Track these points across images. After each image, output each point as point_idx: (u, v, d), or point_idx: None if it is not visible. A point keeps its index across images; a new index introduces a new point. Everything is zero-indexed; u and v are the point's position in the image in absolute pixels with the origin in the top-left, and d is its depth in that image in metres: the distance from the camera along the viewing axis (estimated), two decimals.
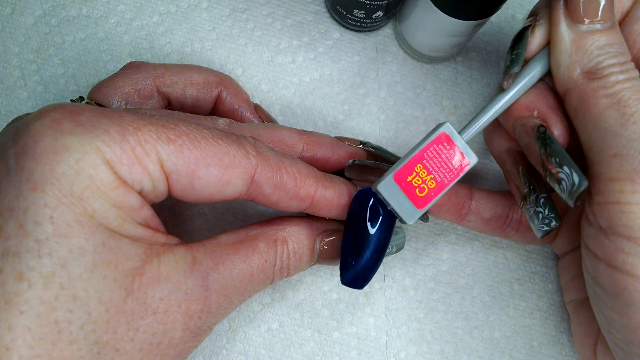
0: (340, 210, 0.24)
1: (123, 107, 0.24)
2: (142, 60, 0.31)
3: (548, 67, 0.23)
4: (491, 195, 0.27)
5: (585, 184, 0.21)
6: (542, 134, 0.22)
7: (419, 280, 0.30)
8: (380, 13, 0.30)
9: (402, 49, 0.33)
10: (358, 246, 0.23)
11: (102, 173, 0.17)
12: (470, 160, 0.23)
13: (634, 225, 0.20)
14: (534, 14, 0.24)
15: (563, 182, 0.21)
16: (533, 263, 0.31)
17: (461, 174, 0.23)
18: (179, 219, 0.30)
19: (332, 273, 0.30)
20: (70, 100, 0.25)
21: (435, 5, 0.26)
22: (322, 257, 0.24)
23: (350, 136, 0.31)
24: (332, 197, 0.23)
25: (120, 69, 0.26)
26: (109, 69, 0.31)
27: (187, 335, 0.20)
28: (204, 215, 0.30)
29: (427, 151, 0.22)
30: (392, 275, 0.30)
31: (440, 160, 0.22)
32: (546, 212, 0.23)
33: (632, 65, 0.21)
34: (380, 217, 0.23)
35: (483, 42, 0.33)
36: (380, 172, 0.26)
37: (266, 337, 0.29)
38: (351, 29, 0.33)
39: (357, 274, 0.23)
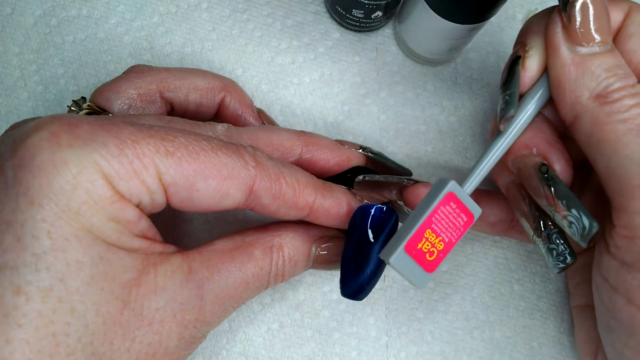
0: (339, 220, 0.24)
1: (125, 111, 0.24)
2: (142, 61, 0.31)
3: (545, 99, 0.22)
4: (497, 200, 0.27)
5: (596, 226, 0.20)
6: (545, 174, 0.21)
7: None
8: (379, 13, 0.30)
9: (401, 50, 0.33)
10: (359, 262, 0.23)
11: (100, 188, 0.17)
12: (475, 214, 0.22)
13: None
14: (521, 43, 0.23)
15: (573, 226, 0.21)
16: (533, 263, 0.31)
17: (467, 229, 0.22)
18: (179, 219, 0.30)
19: (332, 273, 0.30)
20: (72, 100, 0.25)
21: (432, 8, 0.26)
22: (318, 262, 0.24)
23: (351, 137, 0.31)
24: (331, 207, 0.23)
25: (124, 73, 0.26)
26: (109, 70, 0.31)
27: (182, 344, 0.20)
28: (203, 215, 0.30)
29: (435, 215, 0.21)
30: (392, 276, 0.30)
31: (447, 221, 0.22)
32: (560, 248, 0.22)
33: None
34: (381, 235, 0.23)
35: (483, 42, 0.33)
36: (389, 187, 0.26)
37: (266, 338, 0.29)
38: (351, 29, 0.33)
39: (357, 288, 0.23)
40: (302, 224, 0.24)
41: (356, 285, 0.23)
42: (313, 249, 0.24)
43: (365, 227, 0.23)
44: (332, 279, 0.30)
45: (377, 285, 0.30)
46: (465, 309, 0.30)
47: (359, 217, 0.23)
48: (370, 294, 0.29)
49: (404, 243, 0.21)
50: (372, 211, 0.23)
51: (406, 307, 0.30)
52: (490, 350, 0.29)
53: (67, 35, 0.31)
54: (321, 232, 0.24)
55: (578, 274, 0.27)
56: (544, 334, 0.30)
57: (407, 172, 0.29)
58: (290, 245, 0.23)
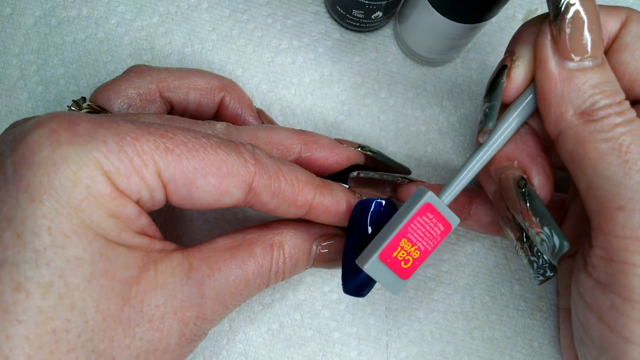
0: (338, 217, 0.24)
1: (125, 111, 0.24)
2: (142, 61, 0.31)
3: (531, 110, 0.22)
4: (491, 201, 0.27)
5: (566, 246, 0.20)
6: (523, 189, 0.21)
7: (419, 280, 0.30)
8: (379, 13, 0.30)
9: (401, 50, 0.33)
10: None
11: (100, 184, 0.17)
12: (452, 223, 0.22)
13: (635, 287, 0.19)
14: (510, 51, 0.22)
15: (544, 243, 0.21)
16: None
17: (444, 238, 0.22)
18: (179, 219, 0.30)
19: (332, 273, 0.30)
20: (72, 100, 0.25)
21: (433, 7, 0.26)
22: (318, 261, 0.24)
23: (351, 137, 0.31)
24: (330, 205, 0.23)
25: (124, 72, 0.26)
26: (109, 70, 0.31)
27: (182, 342, 0.20)
28: (203, 215, 0.30)
29: (411, 224, 0.22)
30: None
31: (423, 230, 0.22)
32: (540, 261, 0.22)
33: (628, 104, 0.20)
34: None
35: (483, 42, 0.33)
36: (383, 185, 0.26)
37: (266, 338, 0.29)
38: (351, 29, 0.33)
39: (359, 284, 0.23)
40: (302, 222, 0.24)
41: (358, 281, 0.23)
42: (314, 247, 0.24)
43: (365, 223, 0.23)
44: (332, 279, 0.30)
45: (377, 285, 0.30)
46: (466, 309, 0.30)
47: (358, 213, 0.23)
48: (370, 294, 0.29)
49: (379, 251, 0.21)
50: (372, 206, 0.23)
51: (406, 307, 0.30)
52: (490, 350, 0.29)
53: (67, 36, 0.31)
54: (322, 230, 0.25)
55: (567, 276, 0.27)
56: (544, 334, 0.30)
57: (406, 171, 0.29)
58: (291, 243, 0.23)
